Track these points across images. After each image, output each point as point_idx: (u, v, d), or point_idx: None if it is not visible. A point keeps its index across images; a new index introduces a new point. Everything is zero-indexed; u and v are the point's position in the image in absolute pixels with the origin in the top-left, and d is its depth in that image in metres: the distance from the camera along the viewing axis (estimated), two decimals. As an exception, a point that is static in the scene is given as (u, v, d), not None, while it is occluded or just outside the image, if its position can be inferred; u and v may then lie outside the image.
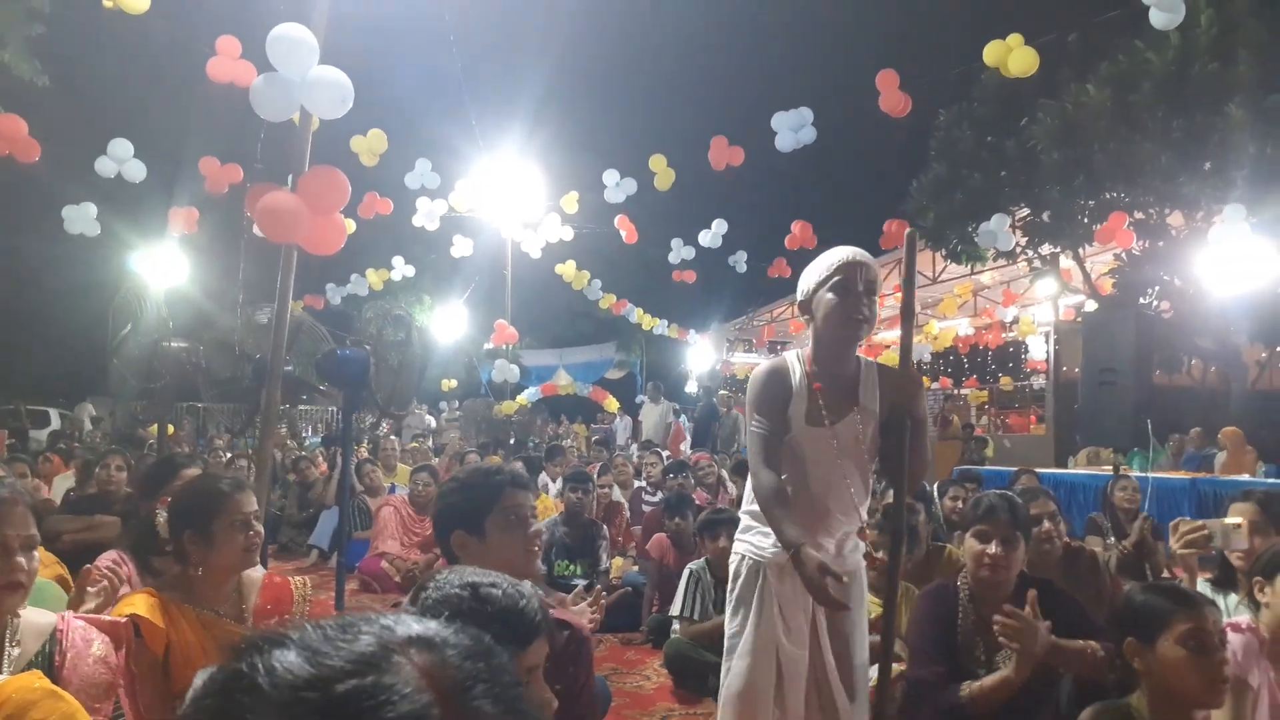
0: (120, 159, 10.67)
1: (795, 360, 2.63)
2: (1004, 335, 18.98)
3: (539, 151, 16.67)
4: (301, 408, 18.85)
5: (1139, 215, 12.44)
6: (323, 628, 0.66)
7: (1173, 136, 11.34)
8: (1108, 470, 7.52)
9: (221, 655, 0.67)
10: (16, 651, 2.01)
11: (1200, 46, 11.17)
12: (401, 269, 17.19)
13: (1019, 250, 13.78)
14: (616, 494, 7.69)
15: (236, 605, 2.56)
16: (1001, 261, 14.74)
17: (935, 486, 6.30)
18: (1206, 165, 11.35)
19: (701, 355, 20.43)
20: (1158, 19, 6.98)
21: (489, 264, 19.12)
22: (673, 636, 4.59)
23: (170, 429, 7.82)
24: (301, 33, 4.61)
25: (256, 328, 6.01)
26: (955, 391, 20.94)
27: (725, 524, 4.45)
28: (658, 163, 12.03)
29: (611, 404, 18.19)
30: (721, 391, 16.44)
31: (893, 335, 18.58)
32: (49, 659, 2.04)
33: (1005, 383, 19.87)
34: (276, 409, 5.21)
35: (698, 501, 6.19)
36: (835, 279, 2.51)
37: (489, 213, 16.04)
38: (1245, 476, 8.97)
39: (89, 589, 2.50)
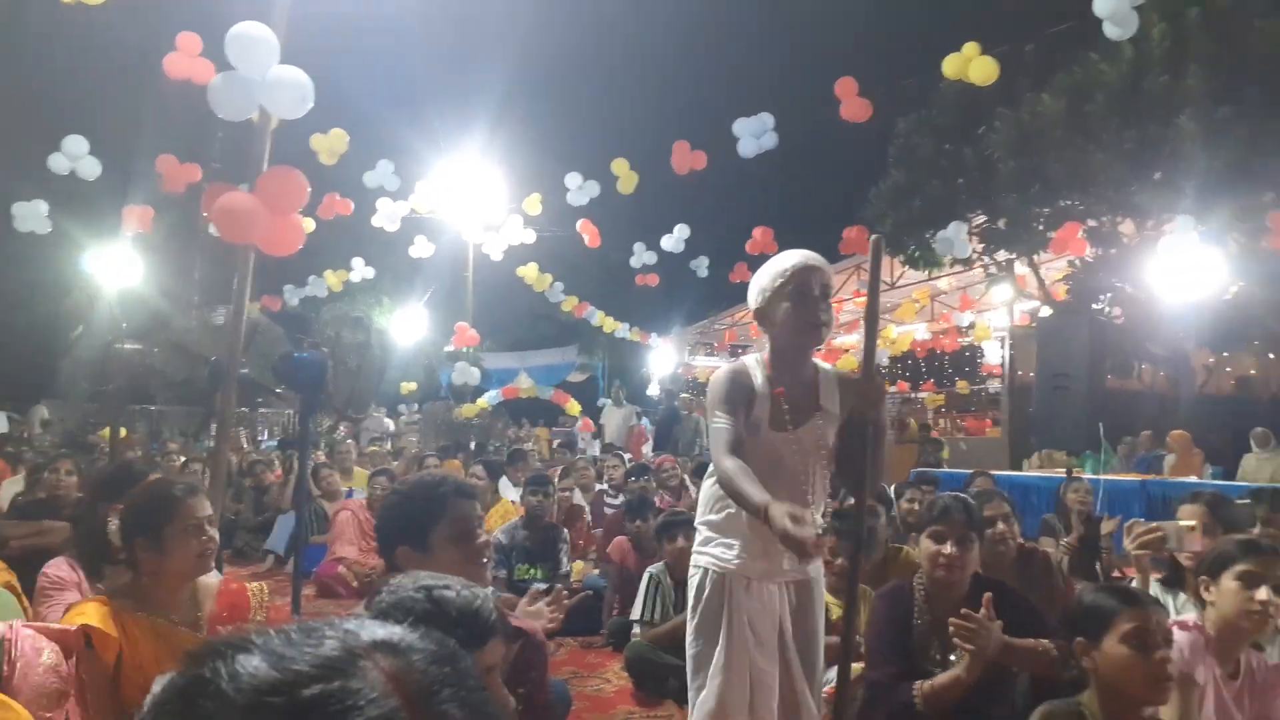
0: (75, 156, 10.46)
1: (755, 364, 2.60)
2: (960, 340, 19.23)
3: (501, 153, 16.64)
4: (259, 410, 18.58)
5: (1092, 223, 12.69)
6: (286, 632, 0.65)
7: (1125, 147, 11.57)
8: (1061, 473, 7.67)
9: (176, 664, 0.66)
10: (-37, 661, 1.96)
11: (1153, 59, 11.40)
12: (361, 270, 17.02)
13: (975, 257, 13.99)
14: (578, 497, 7.68)
15: (191, 612, 2.52)
16: (958, 267, 14.96)
17: (893, 489, 6.37)
18: (1157, 175, 11.59)
19: (663, 359, 20.48)
20: (1111, 30, 7.14)
21: (450, 266, 19.01)
22: (633, 640, 4.60)
23: (123, 432, 7.66)
24: (261, 31, 4.56)
25: (212, 329, 5.94)
26: (912, 395, 21.18)
27: (683, 525, 4.45)
28: (620, 166, 12.05)
29: (574, 407, 18.16)
30: (683, 395, 16.51)
31: (852, 339, 18.78)
32: (-4, 669, 1.99)
33: (961, 386, 20.14)
34: (232, 412, 5.14)
35: (660, 505, 6.21)
36: (790, 285, 2.49)
37: (450, 214, 15.95)
38: (1193, 478, 9.19)
39: None
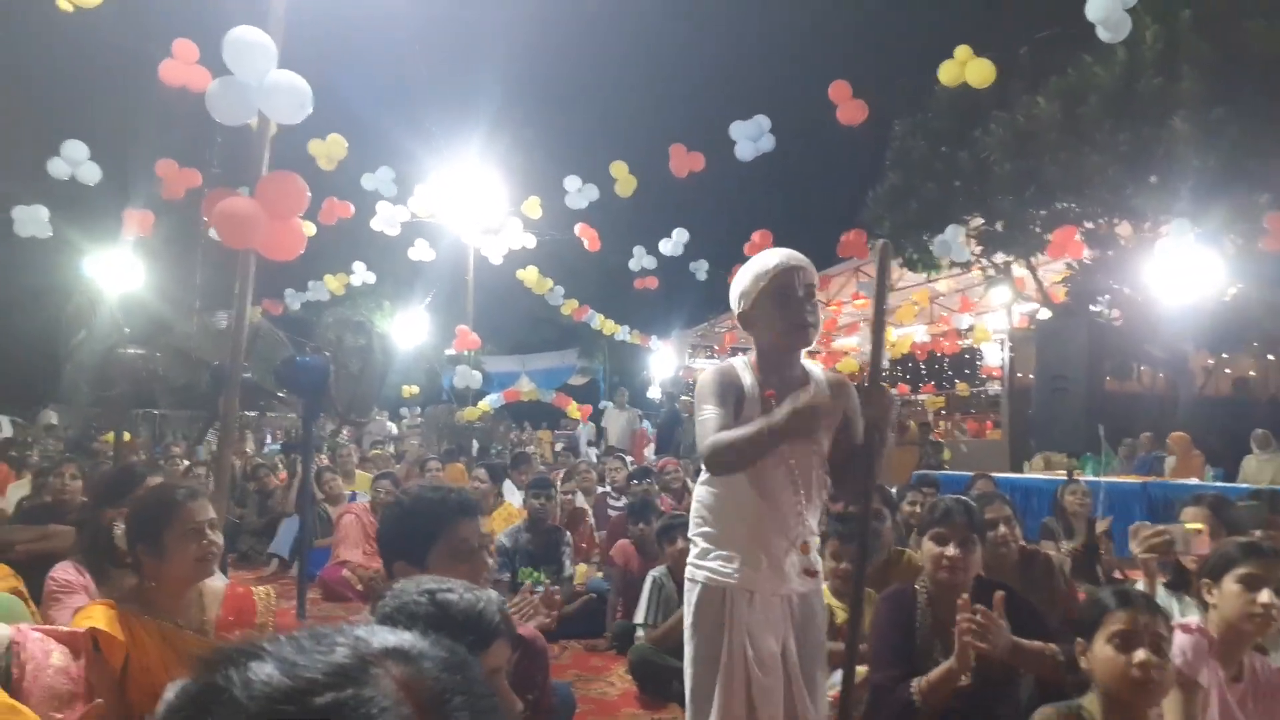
0: (75, 161, 10.47)
1: (744, 366, 2.51)
2: (960, 342, 19.24)
3: (500, 157, 16.65)
4: (267, 415, 18.58)
5: (1089, 225, 12.71)
6: (297, 639, 0.66)
7: (1120, 149, 11.60)
8: (1062, 475, 7.68)
9: (183, 668, 0.66)
10: (-27, 667, 1.97)
11: (1146, 61, 11.43)
12: (362, 275, 17.03)
13: (973, 259, 14.01)
14: (580, 500, 7.69)
15: (198, 617, 2.52)
16: (957, 270, 14.98)
17: (895, 491, 6.37)
18: (1152, 178, 11.61)
19: (664, 361, 20.49)
20: (1104, 34, 7.16)
21: (450, 269, 19.01)
22: (637, 643, 4.60)
23: (127, 436, 7.67)
24: (259, 36, 4.57)
25: (214, 333, 5.95)
26: (913, 397, 21.19)
27: (682, 527, 4.45)
28: (619, 169, 12.06)
29: (575, 410, 18.16)
30: (684, 397, 16.49)
31: (851, 342, 18.80)
32: (6, 673, 2.00)
33: (961, 389, 20.14)
34: (235, 416, 5.15)
35: (662, 508, 6.21)
36: (773, 286, 2.40)
37: (450, 218, 15.96)
38: (1194, 480, 9.20)
39: None
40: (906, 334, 18.66)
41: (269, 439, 18.28)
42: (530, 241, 15.48)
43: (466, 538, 2.21)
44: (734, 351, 20.00)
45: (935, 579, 2.95)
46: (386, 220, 14.66)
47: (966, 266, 14.36)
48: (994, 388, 18.42)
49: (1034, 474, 10.26)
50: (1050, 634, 2.82)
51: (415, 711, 0.62)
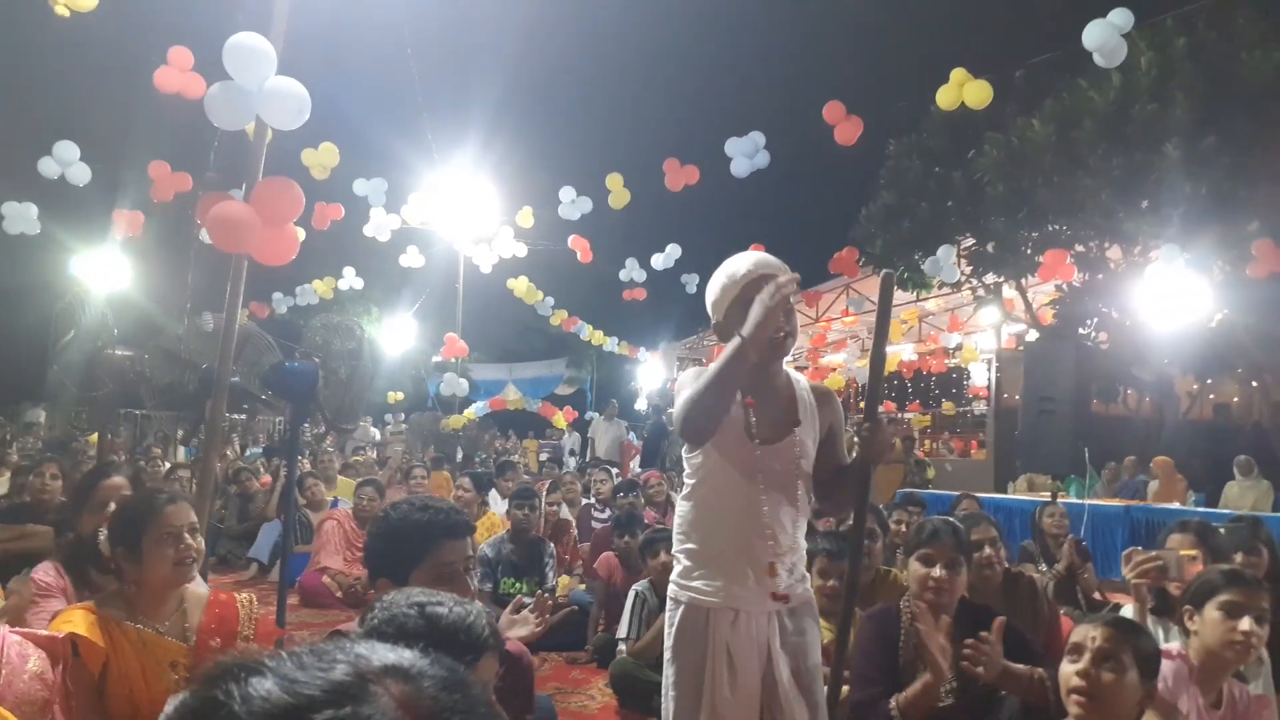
0: (65, 161, 10.41)
1: None
2: (947, 361, 19.31)
3: (494, 166, 16.64)
4: (257, 418, 18.47)
5: (1080, 248, 12.80)
6: (298, 655, 0.66)
7: (1113, 174, 11.71)
8: (1044, 496, 7.71)
9: (162, 675, 0.66)
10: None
11: (1140, 88, 11.55)
12: (351, 280, 16.98)
13: (963, 279, 14.08)
14: (565, 512, 7.67)
15: (180, 623, 2.50)
16: (946, 289, 15.05)
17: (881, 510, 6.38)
18: (1144, 203, 11.71)
19: (652, 373, 20.50)
20: (1100, 59, 7.25)
21: (440, 277, 18.98)
22: (618, 657, 4.59)
23: (100, 436, 7.63)
24: (259, 42, 4.56)
25: (203, 335, 5.91)
26: (898, 415, 21.24)
27: (665, 541, 4.44)
28: (614, 181, 12.07)
29: (560, 420, 18.14)
30: (670, 410, 16.46)
31: (839, 358, 18.83)
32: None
33: (947, 408, 20.20)
34: (222, 420, 5.12)
35: (647, 521, 6.20)
36: (746, 297, 2.30)
37: (442, 226, 15.94)
38: (1176, 504, 9.25)
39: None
40: (894, 352, 18.73)
41: (251, 442, 18.20)
42: (521, 250, 15.48)
43: (451, 560, 2.18)
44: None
45: (921, 600, 2.95)
46: (378, 227, 14.61)
47: (956, 286, 14.44)
48: (980, 407, 18.48)
49: (1017, 495, 10.30)
50: (1036, 657, 2.83)
51: None
